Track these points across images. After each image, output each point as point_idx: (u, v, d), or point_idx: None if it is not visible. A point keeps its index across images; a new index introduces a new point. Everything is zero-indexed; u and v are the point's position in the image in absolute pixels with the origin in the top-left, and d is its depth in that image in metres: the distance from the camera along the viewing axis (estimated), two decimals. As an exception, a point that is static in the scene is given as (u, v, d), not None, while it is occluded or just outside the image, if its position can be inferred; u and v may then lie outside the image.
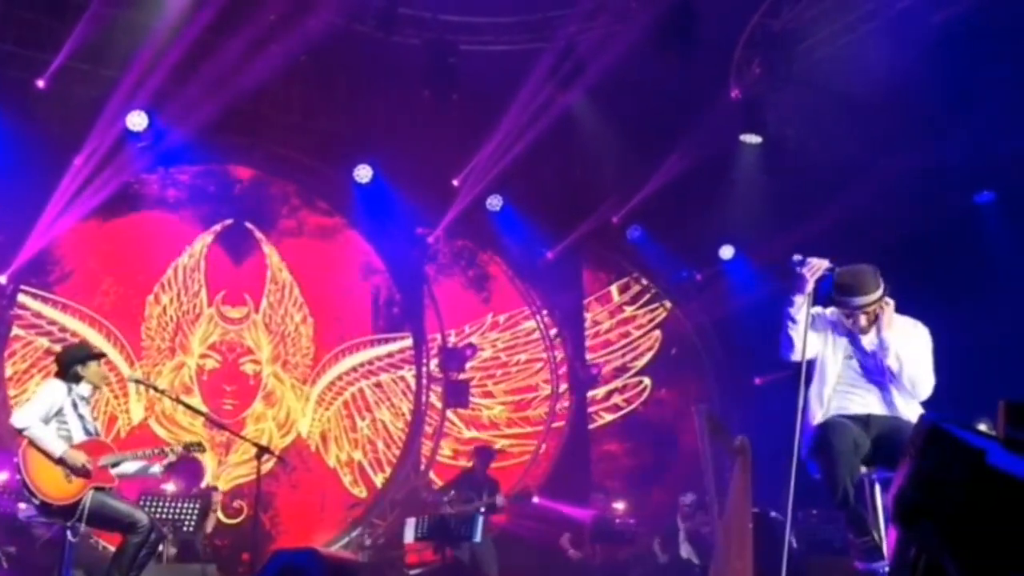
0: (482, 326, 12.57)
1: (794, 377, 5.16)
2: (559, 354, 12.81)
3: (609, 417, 13.09)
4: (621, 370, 13.34)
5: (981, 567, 2.27)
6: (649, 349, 13.49)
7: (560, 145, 11.82)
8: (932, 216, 10.54)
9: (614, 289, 13.59)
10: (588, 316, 13.29)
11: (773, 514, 8.74)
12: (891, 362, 4.70)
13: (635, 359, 13.43)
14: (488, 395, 12.37)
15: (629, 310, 13.58)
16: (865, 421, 4.75)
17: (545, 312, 12.86)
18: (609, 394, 13.17)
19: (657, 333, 13.54)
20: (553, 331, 12.86)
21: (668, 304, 13.61)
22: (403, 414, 11.85)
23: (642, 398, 13.28)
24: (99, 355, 6.44)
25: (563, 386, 12.73)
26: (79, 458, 5.89)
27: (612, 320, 13.46)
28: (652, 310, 13.65)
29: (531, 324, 12.85)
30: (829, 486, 4.60)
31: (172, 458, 6.34)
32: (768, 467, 6.67)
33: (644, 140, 11.63)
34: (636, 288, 13.67)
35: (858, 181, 10.62)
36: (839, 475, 4.56)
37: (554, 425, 12.55)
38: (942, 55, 9.11)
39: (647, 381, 13.33)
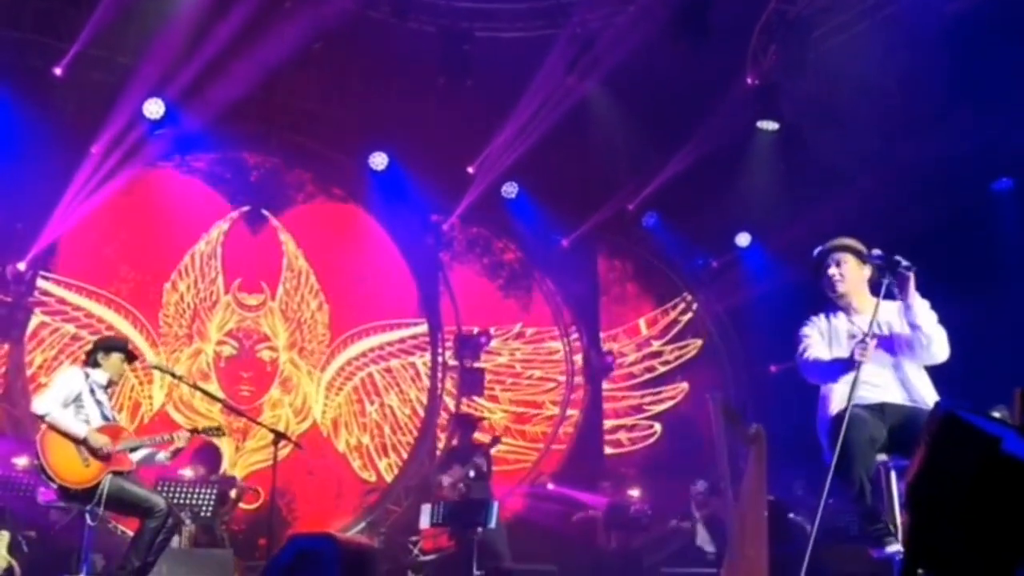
0: (508, 333, 12.56)
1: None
2: (577, 379, 12.72)
3: (609, 451, 12.80)
4: (636, 410, 13.09)
5: (996, 555, 2.27)
6: (671, 398, 13.18)
7: (576, 132, 11.78)
8: (948, 204, 10.47)
9: (642, 323, 13.42)
10: (615, 347, 13.11)
11: (792, 516, 8.76)
12: (920, 325, 4.73)
13: (653, 403, 13.16)
14: (494, 399, 12.34)
15: (656, 344, 13.39)
16: (880, 409, 4.74)
17: (575, 336, 12.80)
18: (615, 428, 12.92)
19: (684, 385, 13.18)
20: (578, 356, 12.77)
21: (699, 342, 13.36)
22: (410, 400, 11.88)
23: (648, 442, 12.98)
24: (129, 354, 6.53)
25: (571, 411, 12.61)
26: (101, 440, 5.97)
27: (639, 354, 13.28)
28: (681, 347, 13.40)
29: (555, 345, 12.79)
30: (845, 482, 4.60)
31: (180, 444, 6.38)
32: (783, 455, 6.67)
33: (659, 127, 11.58)
34: (664, 321, 13.48)
35: (874, 168, 10.57)
36: (856, 471, 4.56)
37: (555, 447, 12.43)
38: (957, 41, 9.05)
39: (658, 428, 13.03)
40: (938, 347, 4.74)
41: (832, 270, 4.97)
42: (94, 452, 5.96)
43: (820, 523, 4.71)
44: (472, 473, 9.42)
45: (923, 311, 4.75)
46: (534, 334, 12.74)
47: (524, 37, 10.94)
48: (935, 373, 4.91)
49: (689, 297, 13.48)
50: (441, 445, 11.82)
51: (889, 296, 4.82)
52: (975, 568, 2.37)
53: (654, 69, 10.75)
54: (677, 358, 13.34)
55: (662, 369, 13.28)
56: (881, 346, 4.84)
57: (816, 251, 5.14)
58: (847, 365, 4.70)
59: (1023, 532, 2.24)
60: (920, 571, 2.73)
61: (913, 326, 4.75)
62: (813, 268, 5.16)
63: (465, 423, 10.20)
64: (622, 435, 12.94)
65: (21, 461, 7.95)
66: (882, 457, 4.73)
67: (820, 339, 5.02)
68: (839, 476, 4.60)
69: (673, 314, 13.52)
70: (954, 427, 2.42)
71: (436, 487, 9.61)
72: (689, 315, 13.48)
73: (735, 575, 5.88)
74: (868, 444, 4.60)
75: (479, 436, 10.31)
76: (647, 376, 13.22)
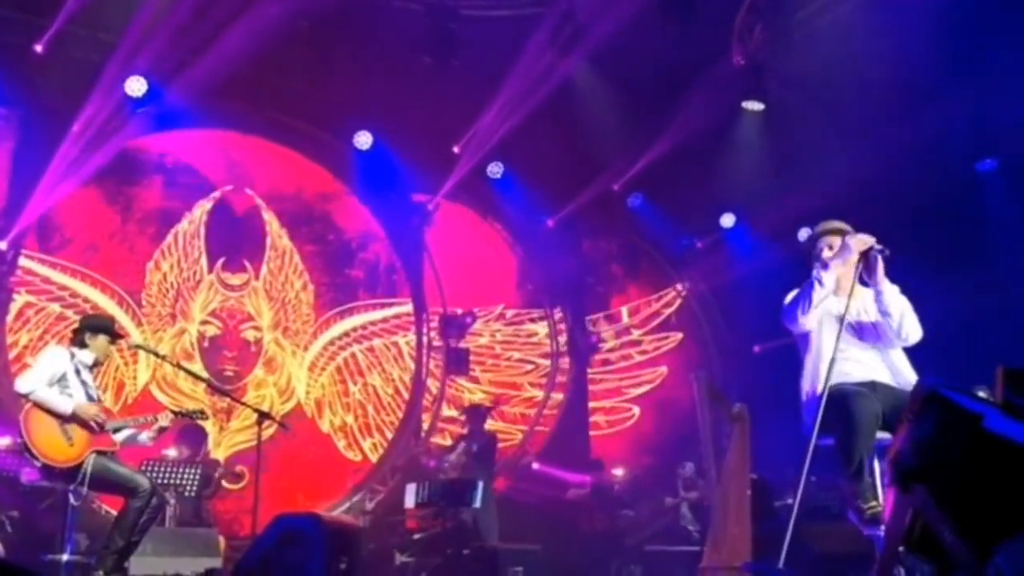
0: (490, 314, 12.55)
1: (793, 345, 5.19)
2: (563, 362, 12.72)
3: (589, 433, 12.83)
4: (613, 392, 13.11)
5: (977, 530, 2.29)
6: (649, 382, 13.20)
7: (561, 112, 11.74)
8: (934, 184, 10.51)
9: (624, 311, 13.44)
10: (593, 331, 13.11)
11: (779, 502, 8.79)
12: (890, 312, 4.77)
13: (631, 386, 13.17)
14: (473, 380, 12.34)
15: (636, 333, 13.41)
16: (872, 387, 4.77)
17: (559, 316, 12.80)
18: (593, 410, 12.93)
19: (663, 370, 13.21)
20: (562, 338, 12.77)
21: (680, 335, 13.41)
22: (393, 380, 11.87)
23: (626, 424, 13.02)
24: (116, 335, 6.50)
25: (557, 395, 12.62)
26: (91, 409, 5.95)
27: (617, 341, 13.30)
28: (661, 339, 13.40)
29: (534, 327, 12.77)
30: (845, 456, 4.56)
31: (164, 424, 6.37)
32: (766, 434, 6.70)
33: (646, 107, 11.55)
34: (647, 311, 13.48)
35: (860, 149, 10.58)
36: (858, 446, 4.51)
37: (538, 428, 12.45)
38: (945, 21, 9.05)
39: (636, 411, 13.06)
40: (909, 328, 4.82)
41: (827, 252, 5.02)
42: (84, 425, 5.93)
43: (802, 501, 4.72)
44: (475, 447, 9.48)
45: (893, 297, 4.82)
46: (515, 316, 12.73)
47: (510, 16, 10.87)
48: (920, 349, 4.96)
49: (679, 287, 13.47)
50: (427, 426, 11.84)
51: (864, 283, 4.88)
52: (956, 545, 2.38)
53: (641, 49, 10.71)
54: (656, 348, 13.38)
55: (639, 358, 13.30)
56: (864, 332, 4.89)
57: (811, 232, 5.18)
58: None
59: (1004, 508, 2.26)
60: (901, 548, 2.75)
61: (884, 313, 4.82)
62: (807, 249, 5.20)
63: (476, 413, 10.24)
64: (600, 417, 12.96)
65: (4, 441, 7.91)
66: (883, 435, 4.69)
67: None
68: (840, 451, 4.58)
69: (656, 306, 13.54)
70: (937, 404, 2.43)
71: (441, 471, 9.68)
72: (674, 307, 13.48)
73: (719, 552, 5.91)
74: (875, 420, 4.57)
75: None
76: (623, 364, 13.24)
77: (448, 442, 11.26)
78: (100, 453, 5.98)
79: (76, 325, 6.57)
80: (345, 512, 10.77)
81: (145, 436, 6.44)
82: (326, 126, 11.50)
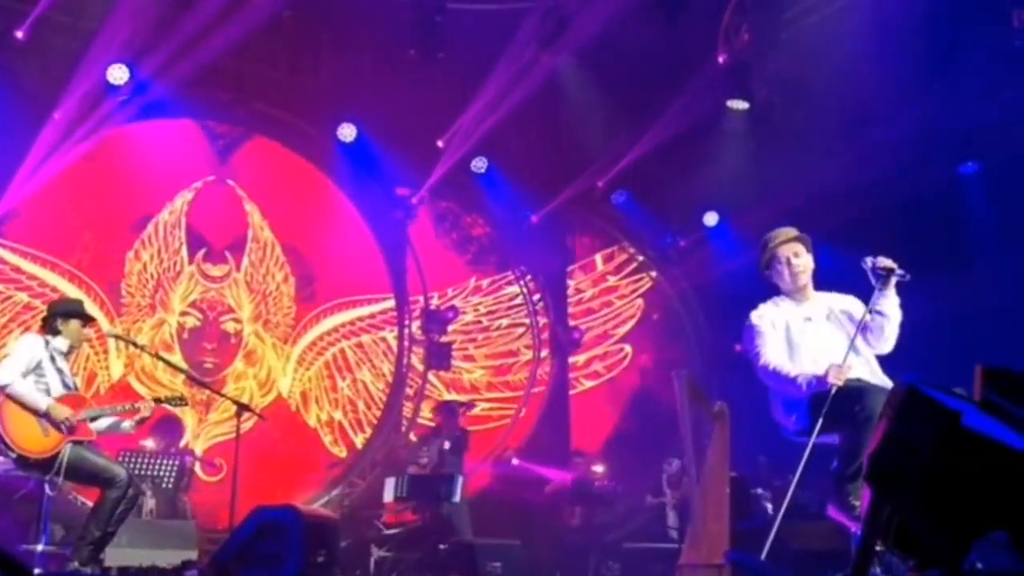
0: (465, 290, 12.54)
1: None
2: (542, 320, 12.79)
3: (589, 384, 13.10)
4: (603, 337, 13.33)
5: (954, 528, 2.29)
6: (631, 317, 13.48)
7: (547, 108, 11.74)
8: (916, 186, 10.56)
9: (598, 258, 13.56)
10: (571, 283, 13.27)
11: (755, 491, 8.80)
12: (887, 314, 4.87)
13: (617, 327, 13.42)
14: (469, 359, 12.37)
15: (612, 280, 13.56)
16: (858, 383, 4.80)
17: (528, 277, 12.83)
18: (589, 361, 13.15)
19: (639, 302, 13.53)
20: (536, 296, 12.83)
21: (653, 275, 13.60)
22: (384, 375, 11.84)
23: (623, 365, 13.29)
24: (86, 318, 6.44)
25: (544, 351, 12.73)
26: (63, 412, 5.88)
27: (595, 289, 13.45)
28: (636, 281, 13.63)
29: (514, 289, 12.83)
30: (852, 454, 4.53)
31: (145, 413, 6.32)
32: (746, 433, 6.71)
33: (631, 104, 11.56)
34: (621, 258, 13.64)
35: (843, 149, 10.62)
36: (864, 444, 4.40)
37: (535, 390, 12.54)
38: (929, 24, 9.09)
39: (628, 349, 13.33)
40: (891, 341, 4.95)
41: (795, 260, 5.09)
42: (56, 425, 5.88)
43: (781, 500, 4.73)
44: (448, 444, 9.50)
45: (894, 306, 4.89)
46: (490, 284, 12.74)
47: (497, 10, 10.84)
48: (899, 350, 5.00)
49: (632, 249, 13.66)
50: (408, 416, 11.81)
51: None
52: (933, 542, 2.39)
53: (627, 46, 10.71)
54: (633, 291, 13.57)
55: (619, 303, 13.48)
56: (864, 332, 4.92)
57: (770, 240, 5.18)
58: (818, 384, 4.74)
59: (981, 506, 2.26)
60: (878, 546, 2.75)
61: (881, 313, 4.86)
62: (766, 256, 5.19)
63: (448, 410, 10.24)
64: (597, 366, 13.14)
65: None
66: None
67: (775, 336, 5.04)
68: (846, 448, 4.57)
69: (631, 251, 13.71)
70: (916, 401, 2.43)
71: (413, 464, 9.71)
72: (644, 257, 13.66)
73: (698, 550, 5.92)
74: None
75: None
76: (605, 311, 13.42)
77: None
78: (77, 443, 5.93)
79: (44, 313, 6.48)
80: (324, 506, 10.73)
81: (127, 424, 6.40)
82: (310, 118, 11.43)
